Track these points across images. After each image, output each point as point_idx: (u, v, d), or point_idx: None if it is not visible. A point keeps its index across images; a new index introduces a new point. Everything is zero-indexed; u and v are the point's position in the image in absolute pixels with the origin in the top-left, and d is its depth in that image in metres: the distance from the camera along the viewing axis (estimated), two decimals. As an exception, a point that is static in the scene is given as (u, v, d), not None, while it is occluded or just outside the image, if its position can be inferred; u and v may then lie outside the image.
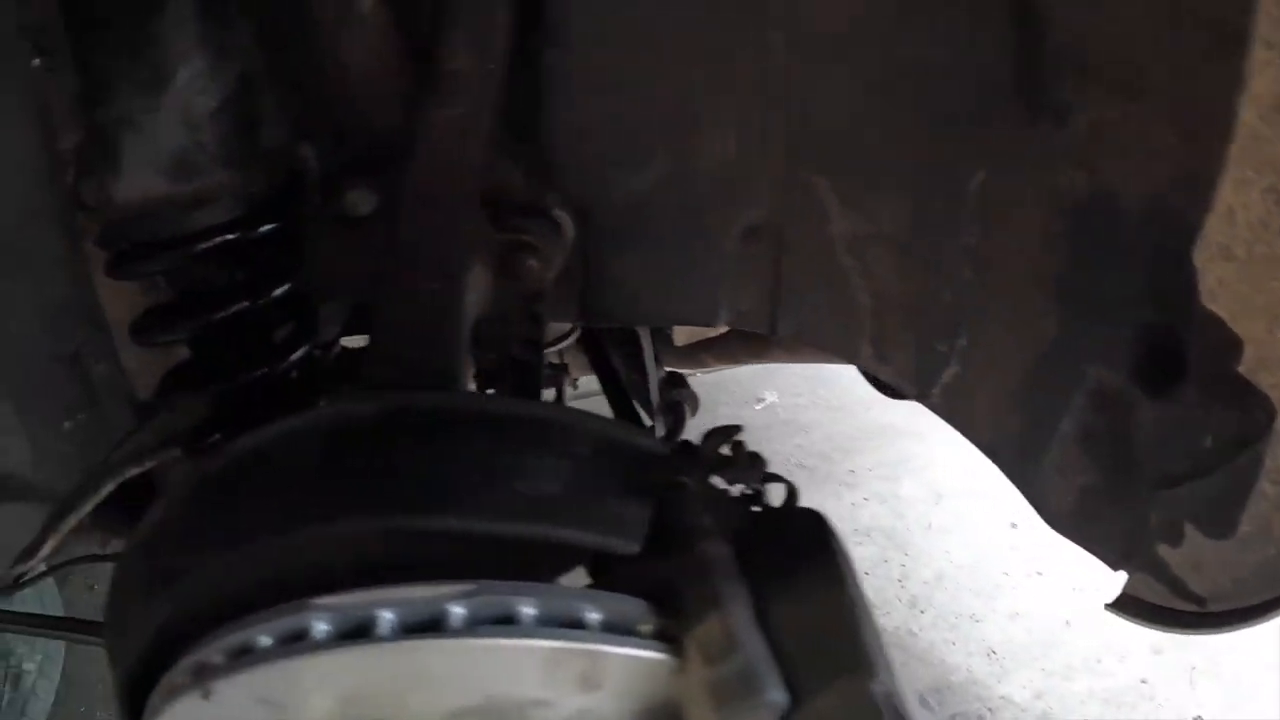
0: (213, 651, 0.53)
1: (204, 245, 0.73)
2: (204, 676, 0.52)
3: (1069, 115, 0.69)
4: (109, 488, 0.97)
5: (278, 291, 0.78)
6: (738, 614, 0.55)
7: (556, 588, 0.56)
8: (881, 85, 0.76)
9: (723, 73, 0.78)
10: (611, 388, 1.23)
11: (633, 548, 0.58)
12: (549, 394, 1.32)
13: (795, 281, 0.88)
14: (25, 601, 1.22)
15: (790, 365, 2.38)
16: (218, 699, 0.52)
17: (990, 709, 1.79)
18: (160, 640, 0.57)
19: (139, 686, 0.59)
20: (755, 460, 0.74)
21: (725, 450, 0.72)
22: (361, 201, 0.80)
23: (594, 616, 0.55)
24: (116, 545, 1.21)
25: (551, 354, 1.27)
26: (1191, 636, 1.79)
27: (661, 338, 1.23)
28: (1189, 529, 0.73)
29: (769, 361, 1.45)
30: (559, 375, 1.30)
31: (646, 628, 0.56)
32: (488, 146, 0.70)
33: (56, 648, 1.53)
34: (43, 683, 1.47)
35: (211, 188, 0.72)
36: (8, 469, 0.88)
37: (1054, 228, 0.74)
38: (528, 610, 0.53)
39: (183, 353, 0.91)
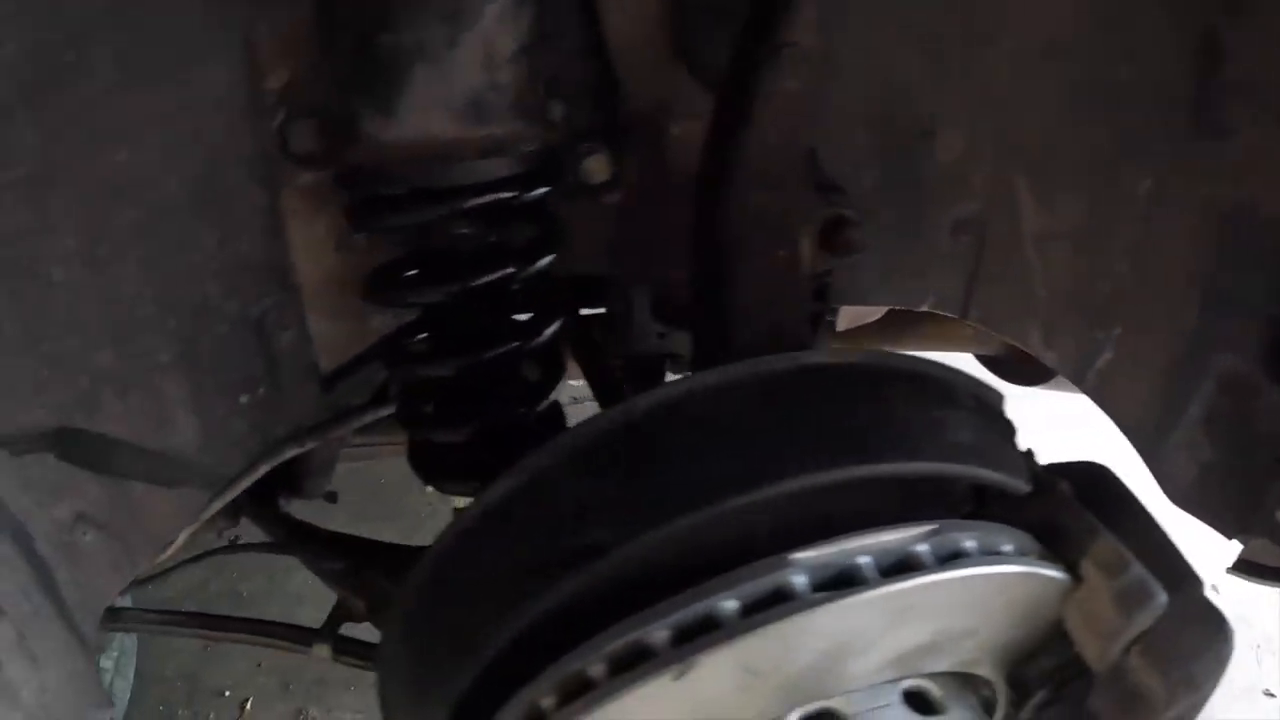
0: (655, 630, 0.48)
1: (484, 200, 0.65)
2: (670, 656, 0.47)
3: (1228, 135, 0.78)
4: (264, 469, 0.87)
5: (542, 262, 0.70)
6: (1107, 534, 0.62)
7: (981, 524, 0.59)
8: (1079, 95, 0.83)
9: (961, 74, 0.83)
10: None
11: (1025, 488, 0.64)
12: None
13: (989, 272, 0.95)
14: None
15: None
16: (694, 676, 0.47)
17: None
18: (538, 630, 0.50)
19: (495, 679, 0.52)
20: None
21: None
22: (599, 169, 0.74)
23: (1008, 547, 0.59)
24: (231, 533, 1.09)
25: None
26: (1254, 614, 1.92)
27: (824, 323, 1.22)
28: None
29: (904, 349, 1.47)
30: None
31: (1034, 554, 0.61)
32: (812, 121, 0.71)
33: (132, 645, 1.37)
34: (119, 681, 1.36)
35: (502, 137, 0.64)
36: (172, 448, 0.76)
37: (1204, 232, 0.82)
38: (970, 544, 0.56)
39: (373, 324, 0.82)
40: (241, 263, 0.74)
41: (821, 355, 0.61)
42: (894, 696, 0.57)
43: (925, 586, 0.53)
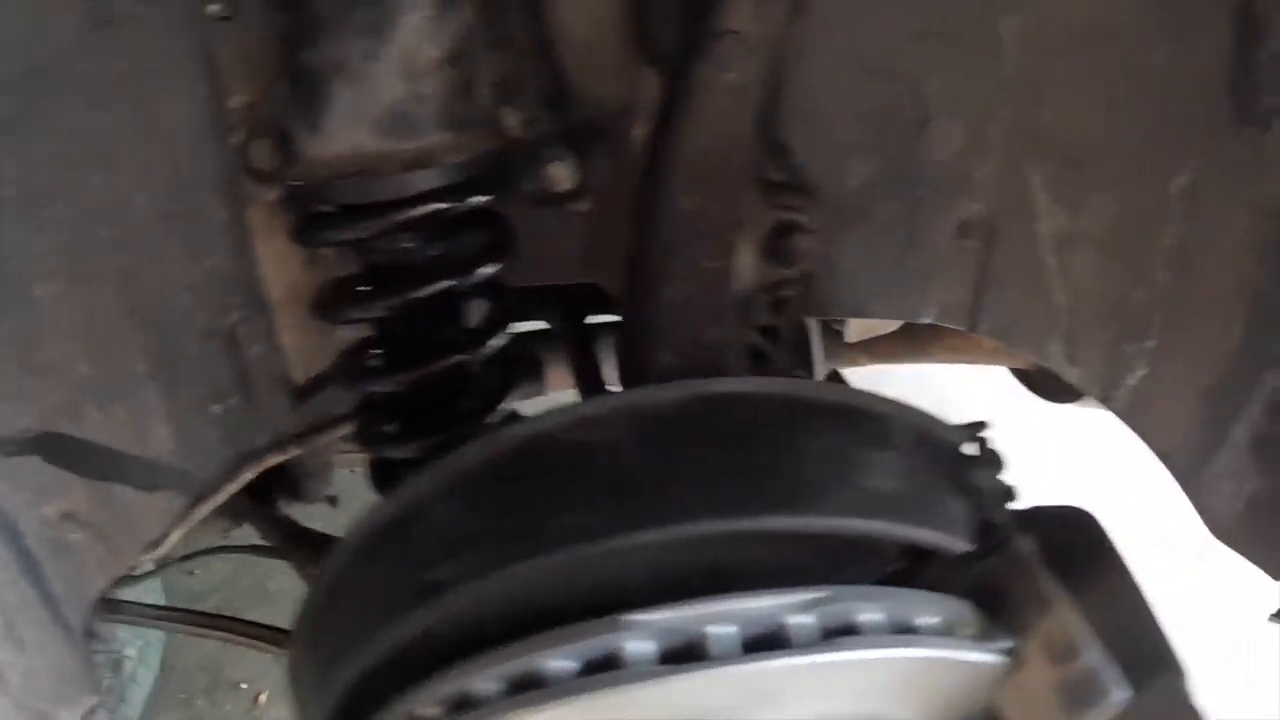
0: (487, 680, 0.47)
1: (415, 212, 0.65)
2: (490, 710, 0.45)
3: (1271, 122, 0.69)
4: (248, 477, 0.90)
5: (486, 270, 0.69)
6: (1074, 614, 0.54)
7: (894, 591, 0.52)
8: (1107, 83, 0.76)
9: (957, 61, 0.77)
10: None
11: (966, 546, 0.56)
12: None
13: (1000, 278, 0.87)
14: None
15: (893, 372, 2.33)
16: None
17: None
18: (399, 662, 0.50)
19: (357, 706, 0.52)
20: (998, 457, 0.70)
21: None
22: (562, 176, 0.72)
23: (930, 621, 0.51)
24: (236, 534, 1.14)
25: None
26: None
27: (831, 334, 1.17)
28: None
29: (928, 361, 1.39)
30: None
31: (972, 630, 0.54)
32: (758, 118, 0.65)
33: (157, 636, 1.48)
34: (143, 670, 1.43)
35: (428, 149, 0.64)
36: (149, 455, 0.80)
37: (1258, 236, 0.73)
38: (872, 618, 0.49)
39: (342, 335, 0.84)
40: (210, 277, 0.77)
41: (729, 384, 0.54)
42: None
43: (792, 669, 0.46)
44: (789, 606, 0.47)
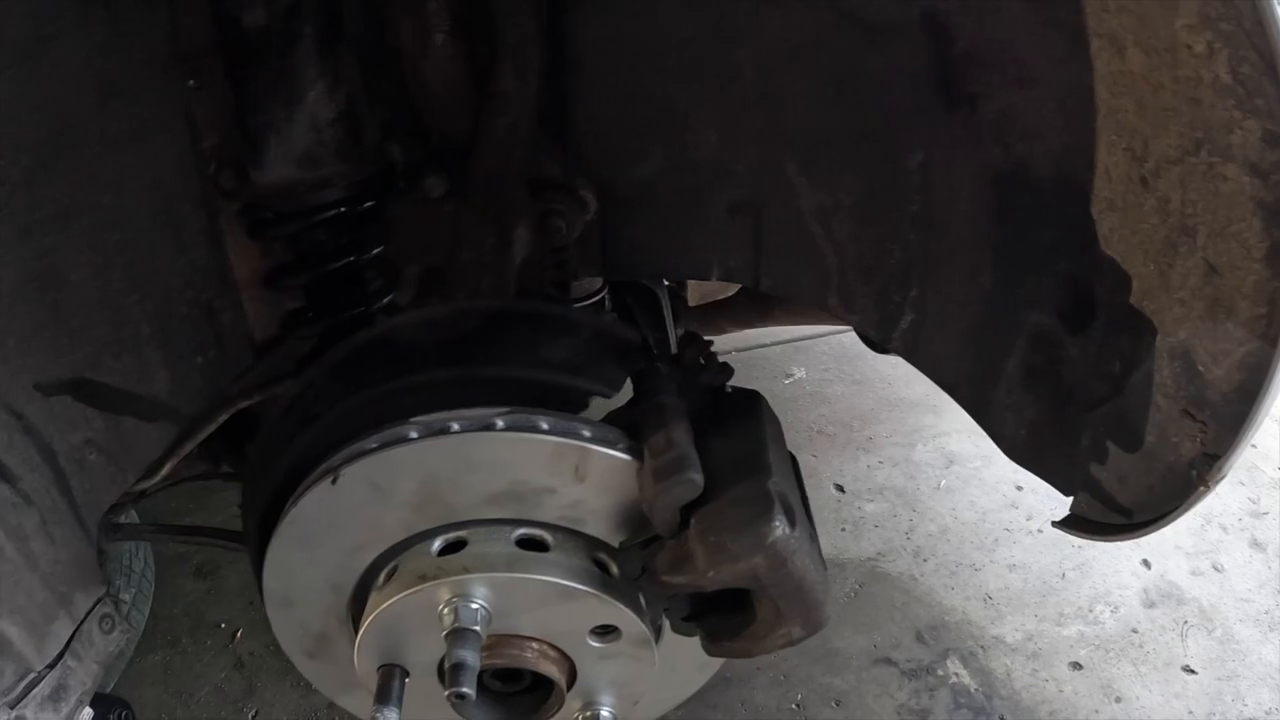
0: (339, 458, 0.93)
1: (323, 215, 1.10)
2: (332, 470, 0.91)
3: (979, 103, 0.95)
4: (224, 417, 1.35)
5: (374, 252, 1.14)
6: (676, 429, 0.94)
7: (564, 414, 0.96)
8: (835, 88, 1.04)
9: (703, 83, 1.08)
10: None
11: (611, 393, 1.01)
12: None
13: (773, 245, 1.19)
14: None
15: (819, 345, 2.79)
16: (341, 483, 0.92)
17: (982, 647, 2.07)
18: (296, 464, 0.96)
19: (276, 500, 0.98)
20: (725, 366, 1.15)
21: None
22: (435, 187, 1.16)
23: (586, 433, 0.95)
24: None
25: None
26: (1185, 593, 2.04)
27: (680, 301, 1.56)
28: (1110, 446, 0.95)
29: (773, 324, 1.76)
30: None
31: (622, 444, 0.96)
32: (529, 143, 1.08)
33: (149, 584, 1.94)
34: (135, 614, 1.86)
35: (328, 175, 1.08)
36: (151, 394, 1.24)
37: (983, 196, 0.99)
38: (544, 424, 0.94)
39: (291, 307, 1.29)
40: (192, 265, 1.21)
41: (474, 303, 1.06)
42: (509, 537, 0.97)
43: (481, 440, 0.93)
44: (491, 414, 0.96)
